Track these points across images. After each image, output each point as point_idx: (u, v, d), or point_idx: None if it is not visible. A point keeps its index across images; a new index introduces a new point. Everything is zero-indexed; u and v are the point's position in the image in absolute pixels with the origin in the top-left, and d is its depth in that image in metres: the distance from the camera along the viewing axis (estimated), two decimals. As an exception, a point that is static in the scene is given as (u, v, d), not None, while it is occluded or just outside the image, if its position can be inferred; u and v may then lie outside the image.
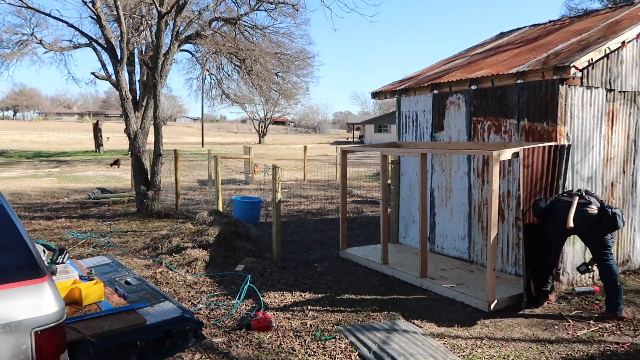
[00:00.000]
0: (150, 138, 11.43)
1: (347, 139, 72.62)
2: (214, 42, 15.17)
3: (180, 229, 7.92)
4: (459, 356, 4.21)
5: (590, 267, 5.20)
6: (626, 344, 4.41)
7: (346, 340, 4.48)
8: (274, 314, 5.08)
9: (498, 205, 5.38)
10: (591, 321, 4.93)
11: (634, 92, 6.32)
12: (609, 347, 4.38)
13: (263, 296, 5.64)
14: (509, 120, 6.12)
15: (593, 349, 4.35)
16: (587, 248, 5.33)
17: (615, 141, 6.20)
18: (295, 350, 4.28)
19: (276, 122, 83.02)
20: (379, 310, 5.26)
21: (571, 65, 5.24)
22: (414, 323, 4.91)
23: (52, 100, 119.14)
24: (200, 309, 5.25)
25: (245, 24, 15.67)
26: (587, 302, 5.45)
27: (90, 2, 11.01)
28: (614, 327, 4.79)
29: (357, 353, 4.24)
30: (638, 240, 6.66)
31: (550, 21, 8.64)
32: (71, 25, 12.51)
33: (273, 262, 7.03)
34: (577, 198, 5.00)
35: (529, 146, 5.29)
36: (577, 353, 4.26)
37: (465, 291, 5.60)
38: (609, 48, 5.73)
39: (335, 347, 4.36)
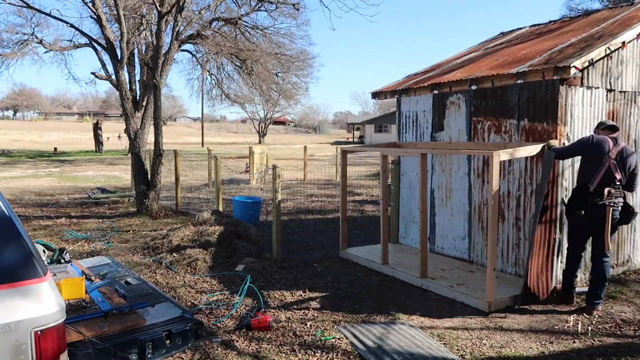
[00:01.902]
0: (150, 138, 11.43)
1: (347, 139, 72.66)
2: (214, 43, 15.16)
3: (180, 229, 7.93)
4: (458, 356, 4.21)
5: None
6: (626, 344, 4.41)
7: (346, 340, 4.48)
8: (273, 314, 5.08)
9: (498, 205, 5.37)
10: (592, 321, 4.93)
11: (634, 92, 6.31)
12: (609, 346, 4.38)
13: (263, 296, 5.64)
14: (509, 120, 6.12)
15: (593, 348, 4.35)
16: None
17: (615, 141, 6.18)
18: (295, 350, 4.28)
19: (276, 122, 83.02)
20: (378, 310, 5.26)
21: (571, 65, 5.23)
22: (413, 323, 4.91)
23: (52, 100, 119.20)
24: (200, 309, 5.25)
25: (246, 24, 15.66)
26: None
27: (90, 2, 11.01)
28: (614, 327, 4.80)
29: (356, 353, 4.24)
30: (638, 240, 6.66)
31: (550, 21, 8.64)
32: (71, 25, 12.51)
33: (273, 262, 7.03)
34: None
35: (527, 146, 5.29)
36: (577, 353, 4.26)
37: (465, 291, 5.60)
38: (609, 48, 5.73)
39: (335, 347, 4.36)
